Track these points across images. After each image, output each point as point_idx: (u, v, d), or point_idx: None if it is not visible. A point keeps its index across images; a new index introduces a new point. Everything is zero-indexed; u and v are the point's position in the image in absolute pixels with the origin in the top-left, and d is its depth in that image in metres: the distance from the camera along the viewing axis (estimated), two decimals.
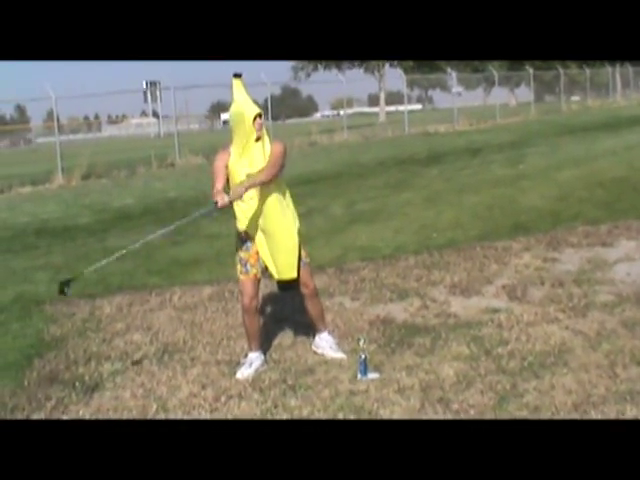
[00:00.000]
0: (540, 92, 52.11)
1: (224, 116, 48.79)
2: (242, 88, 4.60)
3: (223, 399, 4.33)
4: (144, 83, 34.28)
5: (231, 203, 4.53)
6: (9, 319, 6.39)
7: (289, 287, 4.86)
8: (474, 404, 3.96)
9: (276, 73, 39.25)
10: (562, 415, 3.74)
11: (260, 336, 4.89)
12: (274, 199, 4.64)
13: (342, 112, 32.22)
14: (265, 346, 5.02)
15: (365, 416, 3.94)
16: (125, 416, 4.22)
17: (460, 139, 24.51)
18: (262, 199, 4.62)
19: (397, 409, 3.98)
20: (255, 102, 4.60)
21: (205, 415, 4.14)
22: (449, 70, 38.30)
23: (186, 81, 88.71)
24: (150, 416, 4.19)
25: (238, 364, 4.84)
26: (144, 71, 42.85)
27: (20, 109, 70.92)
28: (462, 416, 3.83)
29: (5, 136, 58.29)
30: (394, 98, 55.55)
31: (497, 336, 4.97)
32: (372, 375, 4.45)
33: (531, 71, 41.43)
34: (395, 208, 10.84)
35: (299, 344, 5.17)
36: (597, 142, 18.93)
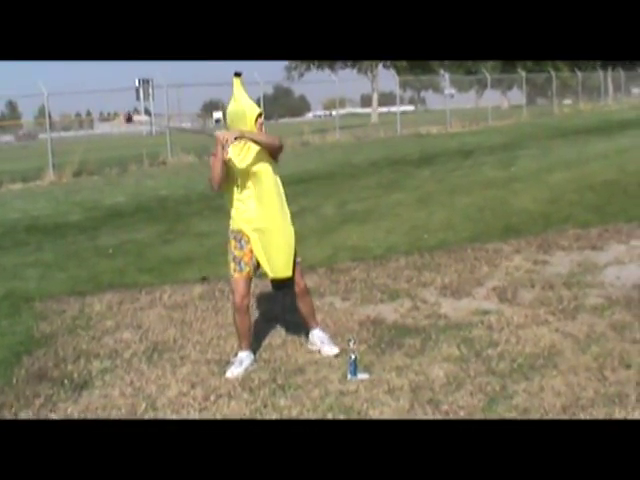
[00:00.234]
0: (532, 95, 52.24)
1: (216, 115, 48.58)
2: (242, 87, 4.60)
3: (212, 398, 4.32)
4: (136, 81, 34.13)
5: (227, 142, 4.45)
6: None
7: (283, 286, 4.86)
8: (464, 405, 3.96)
9: (269, 73, 39.22)
10: (551, 417, 3.75)
11: (250, 335, 4.88)
12: (272, 198, 4.64)
13: (334, 112, 32.22)
14: (255, 345, 5.01)
15: (354, 416, 3.94)
16: (114, 414, 4.21)
17: (452, 141, 24.56)
18: (259, 198, 4.62)
19: (386, 410, 3.99)
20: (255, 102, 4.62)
21: (194, 414, 4.13)
22: (442, 72, 38.40)
23: (179, 79, 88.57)
24: (139, 415, 4.18)
25: (228, 363, 4.83)
26: (137, 69, 42.82)
27: (12, 105, 70.54)
28: (451, 417, 3.84)
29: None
30: (387, 99, 55.53)
31: (487, 338, 4.98)
32: (362, 375, 4.45)
33: (523, 74, 41.56)
34: (387, 209, 10.86)
35: (289, 343, 5.16)
36: (588, 145, 19.00)
